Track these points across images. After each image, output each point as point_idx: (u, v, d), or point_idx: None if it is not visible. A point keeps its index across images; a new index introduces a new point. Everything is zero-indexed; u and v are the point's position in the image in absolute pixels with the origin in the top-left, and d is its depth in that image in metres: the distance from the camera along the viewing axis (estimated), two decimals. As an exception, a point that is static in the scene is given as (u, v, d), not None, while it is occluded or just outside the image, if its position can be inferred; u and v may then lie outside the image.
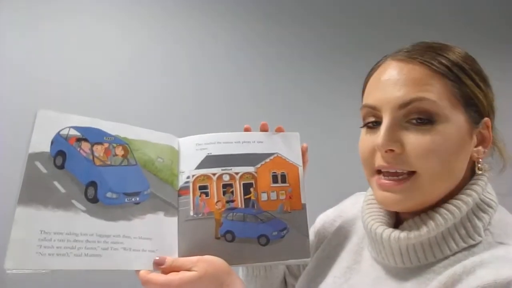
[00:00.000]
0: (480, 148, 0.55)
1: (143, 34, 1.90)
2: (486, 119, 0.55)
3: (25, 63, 1.72)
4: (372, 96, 0.56)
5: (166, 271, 0.57)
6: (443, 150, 0.51)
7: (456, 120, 0.52)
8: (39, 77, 1.72)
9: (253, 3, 2.06)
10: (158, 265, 0.58)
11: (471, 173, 0.56)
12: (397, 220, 0.60)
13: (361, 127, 0.59)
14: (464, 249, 0.51)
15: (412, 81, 0.52)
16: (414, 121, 0.52)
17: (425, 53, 0.54)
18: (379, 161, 0.54)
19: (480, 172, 0.54)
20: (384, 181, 0.54)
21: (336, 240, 0.70)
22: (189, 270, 0.56)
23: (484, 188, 0.54)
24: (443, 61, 0.53)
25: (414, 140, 0.52)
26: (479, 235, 0.51)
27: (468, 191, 0.53)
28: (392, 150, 0.53)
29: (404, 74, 0.53)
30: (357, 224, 0.69)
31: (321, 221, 0.77)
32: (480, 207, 0.53)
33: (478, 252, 0.50)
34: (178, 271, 0.56)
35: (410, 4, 2.24)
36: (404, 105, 0.52)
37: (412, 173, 0.52)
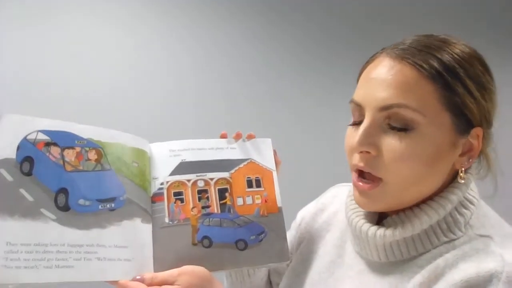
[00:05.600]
0: (465, 157, 0.53)
1: (143, 34, 1.88)
2: (477, 128, 0.52)
3: (24, 62, 1.68)
4: (359, 92, 0.55)
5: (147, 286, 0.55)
6: (416, 159, 0.50)
7: (437, 130, 0.50)
8: (38, 76, 1.69)
9: (248, 4, 2.07)
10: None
11: (456, 174, 0.55)
12: (380, 215, 0.60)
13: (350, 124, 0.58)
14: (445, 242, 0.51)
15: (398, 84, 0.50)
16: (393, 125, 0.51)
17: (419, 53, 0.51)
18: (356, 160, 0.54)
19: (463, 181, 0.53)
20: (359, 182, 0.54)
21: (318, 234, 0.71)
22: (171, 284, 0.55)
23: (469, 186, 0.54)
24: (435, 64, 0.50)
25: (389, 145, 0.51)
26: (460, 230, 0.52)
27: (454, 190, 0.53)
28: (368, 152, 0.52)
29: (391, 75, 0.51)
30: (338, 217, 0.69)
31: (302, 216, 0.77)
32: (463, 204, 0.53)
33: (458, 245, 0.50)
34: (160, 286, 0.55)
35: (387, 5, 2.28)
36: (385, 108, 0.51)
37: (380, 180, 0.53)
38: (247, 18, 2.05)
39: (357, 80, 0.59)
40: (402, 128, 0.50)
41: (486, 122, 0.53)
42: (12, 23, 1.69)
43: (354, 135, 0.54)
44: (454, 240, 0.51)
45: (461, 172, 0.53)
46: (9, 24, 1.69)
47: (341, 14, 2.19)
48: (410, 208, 0.54)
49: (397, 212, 0.55)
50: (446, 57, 0.51)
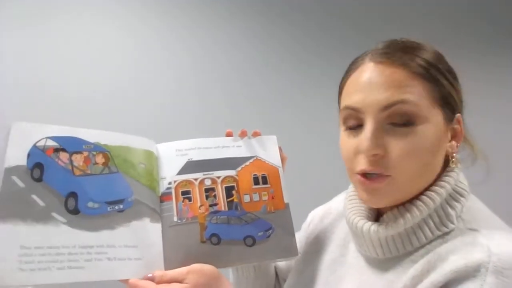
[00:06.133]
0: (453, 142, 0.57)
1: (143, 34, 1.90)
2: (458, 115, 0.57)
3: (24, 62, 1.70)
4: (353, 98, 0.56)
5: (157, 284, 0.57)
6: (423, 150, 0.53)
7: (434, 120, 0.54)
8: (38, 77, 1.71)
9: (249, 4, 2.07)
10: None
11: (444, 164, 0.58)
12: (377, 214, 0.62)
13: (344, 131, 0.59)
14: (439, 237, 0.54)
15: (394, 83, 0.53)
16: (396, 123, 0.53)
17: (404, 55, 0.55)
18: (361, 165, 0.55)
19: (454, 165, 0.57)
20: (367, 181, 0.55)
21: (324, 235, 0.72)
22: (180, 282, 0.56)
23: (457, 178, 0.57)
24: (421, 62, 0.54)
25: (396, 143, 0.53)
26: (452, 223, 0.54)
27: (442, 183, 0.56)
28: (376, 154, 0.54)
29: (385, 77, 0.54)
30: (343, 219, 0.70)
31: (311, 216, 0.80)
32: (453, 196, 0.56)
33: (450, 240, 0.52)
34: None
35: (387, 5, 2.27)
36: (388, 107, 0.53)
37: (388, 176, 0.54)
38: (248, 18, 2.05)
39: (340, 91, 0.61)
40: (405, 124, 0.53)
41: (462, 107, 0.59)
42: (12, 23, 1.70)
43: (355, 141, 0.56)
44: (447, 234, 0.53)
45: (452, 157, 0.57)
46: (8, 25, 1.70)
47: (342, 14, 2.19)
48: (403, 204, 0.56)
49: (392, 209, 0.57)
50: (427, 55, 0.56)
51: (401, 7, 2.26)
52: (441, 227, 0.54)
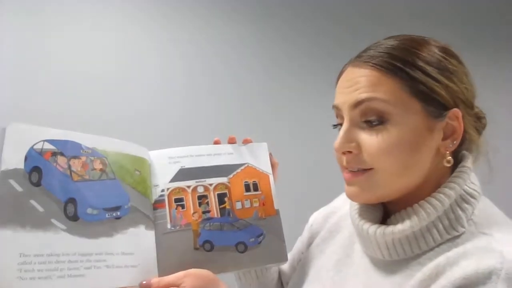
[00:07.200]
0: (448, 141, 0.55)
1: (140, 37, 1.87)
2: (454, 110, 0.53)
3: (22, 67, 1.66)
4: (336, 98, 0.59)
5: None
6: (396, 148, 0.52)
7: (410, 118, 0.53)
8: (36, 81, 1.67)
9: (247, 5, 2.07)
10: None
11: (454, 165, 0.56)
12: (385, 215, 0.61)
13: (337, 129, 0.61)
14: (448, 240, 0.52)
15: (364, 83, 0.54)
16: (371, 121, 0.54)
17: (375, 55, 0.55)
18: (342, 162, 0.58)
19: (449, 165, 0.54)
20: (346, 174, 0.58)
21: (328, 235, 0.72)
22: (177, 286, 0.57)
23: (467, 179, 0.55)
24: (392, 60, 0.53)
25: (367, 140, 0.54)
26: (462, 226, 0.52)
27: (451, 184, 0.54)
28: (350, 152, 0.55)
29: (356, 78, 0.55)
30: (349, 219, 0.68)
31: (314, 218, 0.79)
32: (464, 198, 0.53)
33: (461, 243, 0.50)
34: None
35: (384, 7, 2.27)
36: (357, 104, 0.54)
37: (369, 169, 0.55)
38: (243, 20, 2.05)
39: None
40: (377, 121, 0.53)
41: (462, 103, 0.55)
42: (10, 23, 1.66)
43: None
44: (457, 237, 0.51)
45: (446, 155, 0.54)
46: (7, 24, 1.66)
47: (338, 17, 2.21)
48: (411, 205, 0.55)
49: (399, 210, 0.56)
50: (400, 51, 0.54)
51: (398, 11, 2.26)
52: (451, 231, 0.52)
